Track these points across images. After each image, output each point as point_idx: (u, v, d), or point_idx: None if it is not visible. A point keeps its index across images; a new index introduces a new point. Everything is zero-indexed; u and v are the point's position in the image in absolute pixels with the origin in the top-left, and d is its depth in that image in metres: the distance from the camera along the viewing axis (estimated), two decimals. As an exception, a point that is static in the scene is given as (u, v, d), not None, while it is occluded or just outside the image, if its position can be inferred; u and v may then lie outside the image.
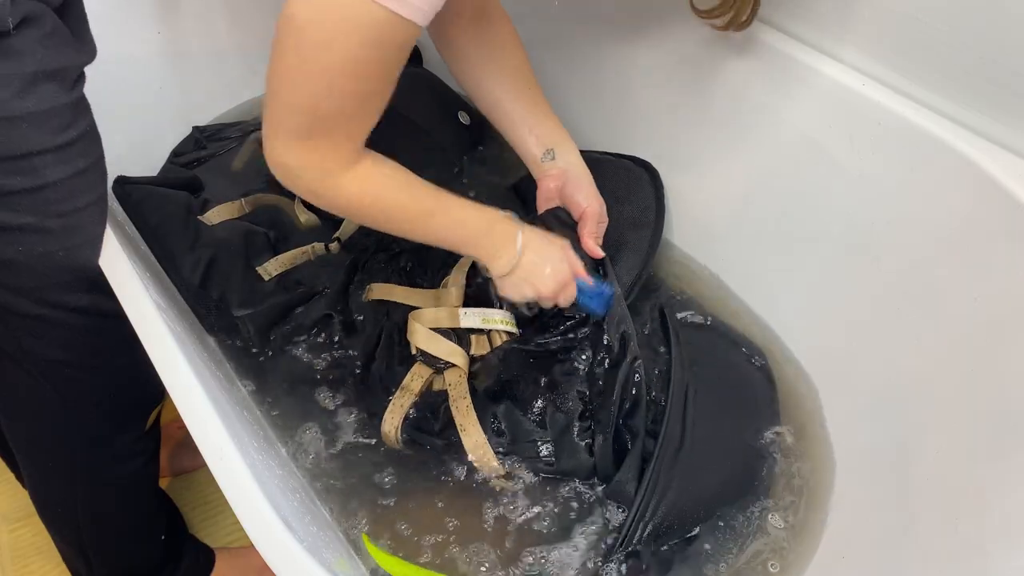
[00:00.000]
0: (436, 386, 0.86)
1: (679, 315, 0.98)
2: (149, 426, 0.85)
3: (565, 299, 0.80)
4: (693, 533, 0.79)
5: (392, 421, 0.83)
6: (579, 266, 0.81)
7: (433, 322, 0.87)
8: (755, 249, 1.00)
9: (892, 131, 0.81)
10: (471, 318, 0.86)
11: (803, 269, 0.95)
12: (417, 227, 0.74)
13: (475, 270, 0.91)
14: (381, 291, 0.94)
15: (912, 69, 0.81)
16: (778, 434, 0.88)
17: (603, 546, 0.78)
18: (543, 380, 0.84)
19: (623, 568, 0.76)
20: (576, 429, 0.81)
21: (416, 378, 0.85)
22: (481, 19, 0.84)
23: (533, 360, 0.86)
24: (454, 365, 0.85)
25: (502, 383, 0.84)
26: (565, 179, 0.88)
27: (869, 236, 0.86)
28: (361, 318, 0.96)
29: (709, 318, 0.99)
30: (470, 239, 0.76)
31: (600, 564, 0.77)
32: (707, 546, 0.79)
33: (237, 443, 0.58)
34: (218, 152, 1.13)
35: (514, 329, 0.87)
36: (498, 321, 0.86)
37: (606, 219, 0.90)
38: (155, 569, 0.93)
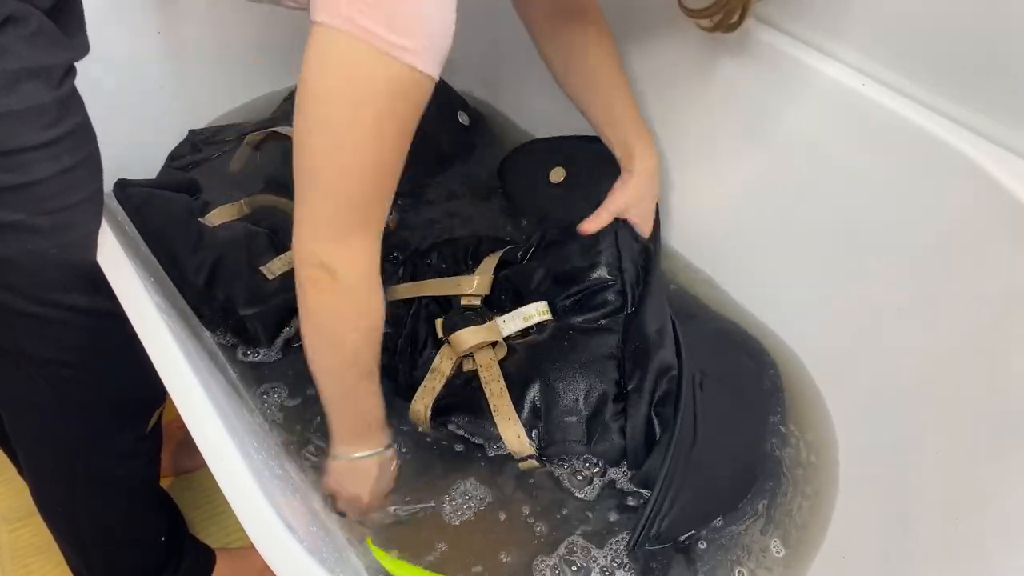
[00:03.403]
0: (466, 367, 0.86)
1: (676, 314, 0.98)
2: (150, 427, 0.85)
3: (359, 515, 0.81)
4: (705, 528, 0.80)
5: (423, 400, 0.84)
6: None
7: (473, 339, 0.84)
8: (755, 250, 1.00)
9: (892, 131, 0.81)
10: (511, 323, 0.87)
11: (802, 269, 0.95)
12: (339, 385, 0.74)
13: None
14: (407, 290, 0.94)
15: (912, 69, 0.81)
16: (782, 433, 0.88)
17: (621, 539, 0.79)
18: (577, 361, 0.84)
19: (637, 561, 0.77)
20: (609, 411, 0.81)
21: (445, 359, 0.85)
22: (573, 11, 0.88)
23: (567, 342, 0.86)
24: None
25: (536, 364, 0.84)
26: (630, 188, 0.92)
27: (869, 236, 0.86)
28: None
29: (709, 317, 0.99)
30: (346, 415, 0.76)
31: (619, 556, 0.77)
32: (708, 543, 0.79)
33: (237, 443, 0.58)
34: (213, 155, 1.13)
35: (549, 316, 0.87)
36: (536, 314, 0.87)
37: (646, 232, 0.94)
38: (155, 569, 0.93)
